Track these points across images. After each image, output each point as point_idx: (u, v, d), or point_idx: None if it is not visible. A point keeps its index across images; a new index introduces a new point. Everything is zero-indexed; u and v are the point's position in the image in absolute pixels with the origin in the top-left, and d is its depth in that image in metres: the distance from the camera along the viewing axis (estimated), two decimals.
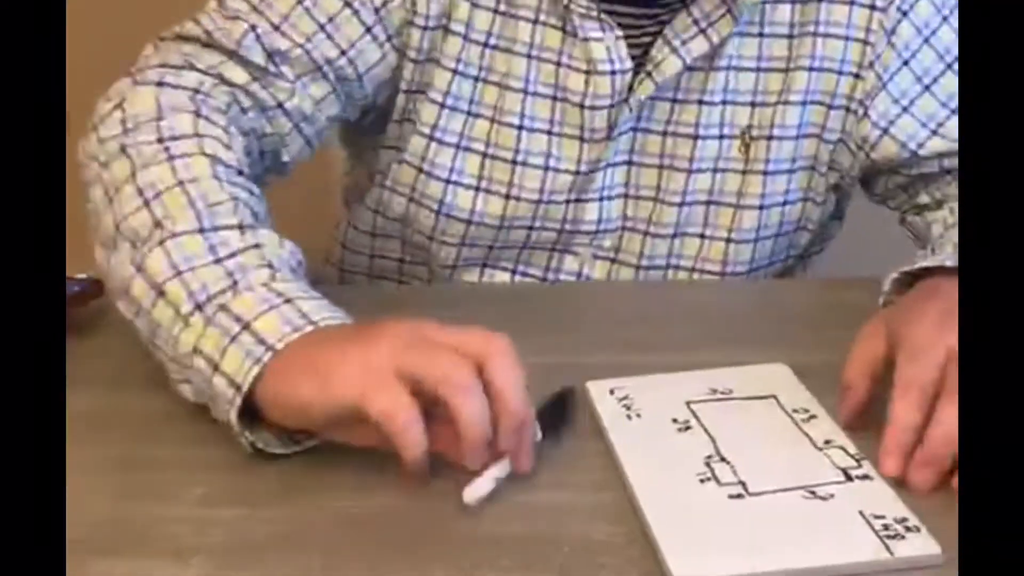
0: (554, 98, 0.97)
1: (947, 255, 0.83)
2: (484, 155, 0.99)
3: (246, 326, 0.73)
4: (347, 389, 0.69)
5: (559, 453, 0.76)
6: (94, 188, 0.85)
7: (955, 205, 0.97)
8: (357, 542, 0.68)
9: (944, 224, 0.95)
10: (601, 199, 1.00)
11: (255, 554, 0.67)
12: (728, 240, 1.02)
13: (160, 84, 0.88)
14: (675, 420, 0.79)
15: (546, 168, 0.98)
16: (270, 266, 0.77)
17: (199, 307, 0.75)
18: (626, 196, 1.01)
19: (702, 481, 0.72)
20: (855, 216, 1.12)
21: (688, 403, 0.80)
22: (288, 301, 0.75)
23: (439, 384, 0.69)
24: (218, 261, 0.77)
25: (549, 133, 0.98)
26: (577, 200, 1.00)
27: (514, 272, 1.04)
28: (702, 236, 1.02)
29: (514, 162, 0.99)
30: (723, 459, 0.74)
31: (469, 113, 0.98)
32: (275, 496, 0.72)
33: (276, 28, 0.93)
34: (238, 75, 0.92)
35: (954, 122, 0.98)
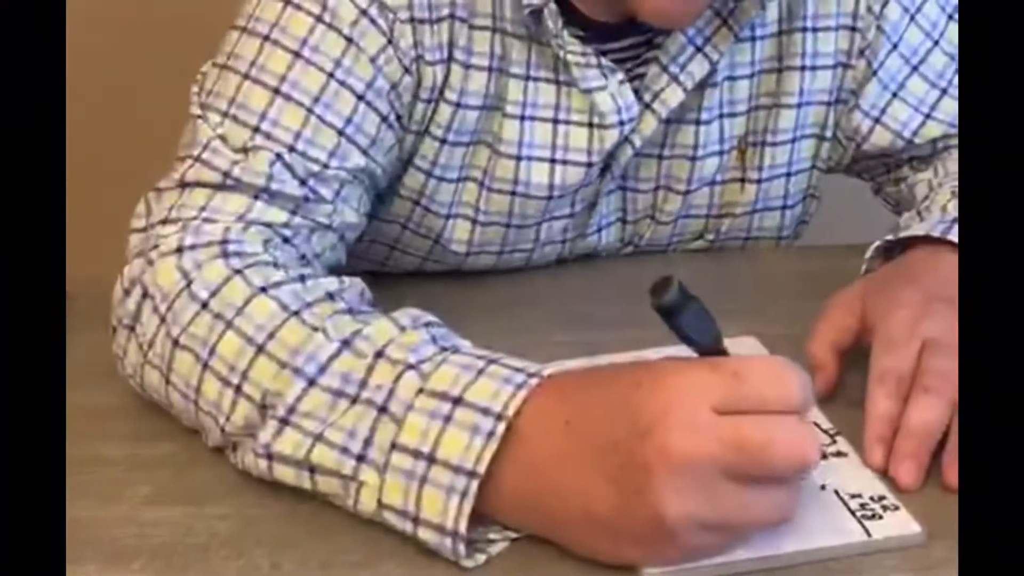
0: (552, 160, 0.88)
1: (934, 222, 0.80)
2: (474, 221, 0.90)
3: (430, 458, 0.61)
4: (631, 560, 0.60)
5: None
6: (170, 395, 0.72)
7: (939, 164, 0.93)
8: (306, 539, 0.65)
9: (929, 185, 0.91)
10: (599, 229, 0.95)
11: (200, 554, 0.64)
12: (717, 242, 0.98)
13: (180, 250, 0.74)
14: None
15: (540, 223, 0.91)
16: (411, 367, 0.64)
17: (361, 459, 0.64)
18: (624, 221, 0.96)
19: None
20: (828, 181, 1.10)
21: None
22: (458, 402, 0.62)
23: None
24: (355, 400, 0.65)
25: (548, 198, 0.89)
26: (575, 238, 0.95)
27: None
28: (700, 237, 0.98)
29: (508, 226, 0.91)
30: None
31: (458, 179, 0.89)
32: (221, 494, 0.69)
33: (292, 150, 0.79)
34: (274, 214, 0.78)
35: (946, 102, 0.93)
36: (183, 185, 0.79)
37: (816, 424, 0.72)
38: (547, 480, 0.61)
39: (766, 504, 0.59)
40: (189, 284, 0.72)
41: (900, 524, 0.64)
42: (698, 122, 0.91)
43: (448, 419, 0.61)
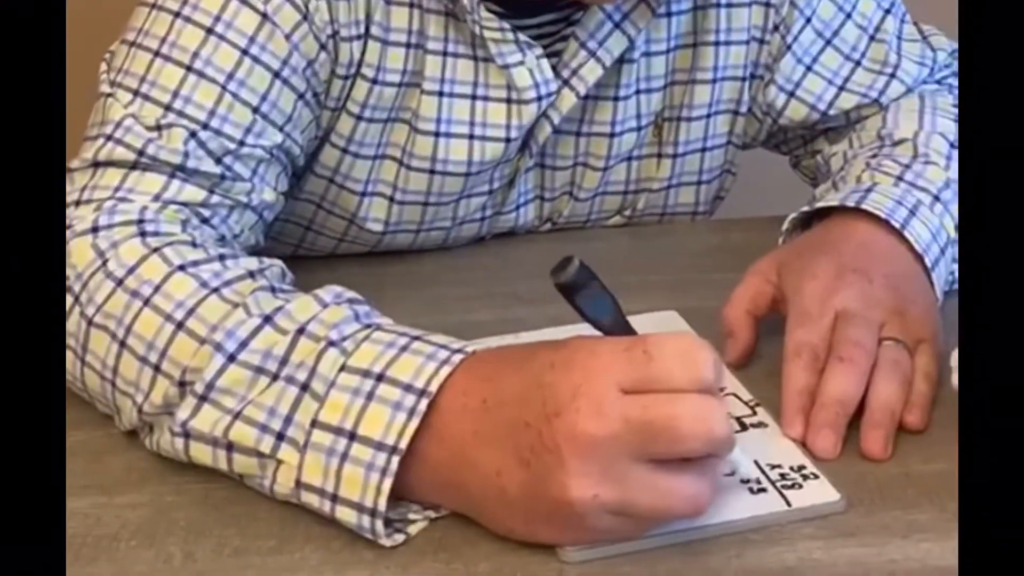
0: (471, 137, 0.87)
1: (848, 192, 0.80)
2: (391, 199, 0.89)
3: (352, 436, 0.61)
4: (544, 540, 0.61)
5: None
6: (85, 377, 0.70)
7: (854, 136, 0.93)
8: (219, 527, 0.64)
9: (844, 157, 0.91)
10: (517, 207, 0.95)
11: (109, 545, 0.63)
12: (633, 217, 0.98)
13: (95, 230, 0.72)
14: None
15: (459, 200, 0.90)
16: (333, 343, 0.63)
17: (281, 437, 0.63)
18: (541, 198, 0.95)
19: None
20: (743, 156, 1.10)
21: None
22: (380, 378, 0.62)
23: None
24: (275, 377, 0.64)
25: (466, 175, 0.88)
26: (493, 215, 0.94)
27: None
28: (618, 212, 0.98)
29: (426, 204, 0.90)
30: None
31: (375, 157, 0.88)
32: (132, 483, 0.67)
33: (206, 127, 0.77)
34: (191, 193, 0.76)
35: (859, 73, 0.93)
36: (95, 165, 0.76)
37: (736, 395, 0.72)
38: (464, 458, 0.60)
39: (679, 491, 0.58)
40: (104, 263, 0.70)
41: (820, 493, 0.64)
42: (616, 98, 0.91)
43: (370, 396, 0.61)
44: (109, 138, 0.77)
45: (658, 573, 0.59)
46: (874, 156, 0.86)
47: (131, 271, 0.69)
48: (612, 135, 0.92)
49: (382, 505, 0.60)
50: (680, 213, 0.99)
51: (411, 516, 0.63)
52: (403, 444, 0.59)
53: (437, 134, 0.87)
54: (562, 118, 0.88)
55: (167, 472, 0.68)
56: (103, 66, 0.82)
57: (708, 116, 0.94)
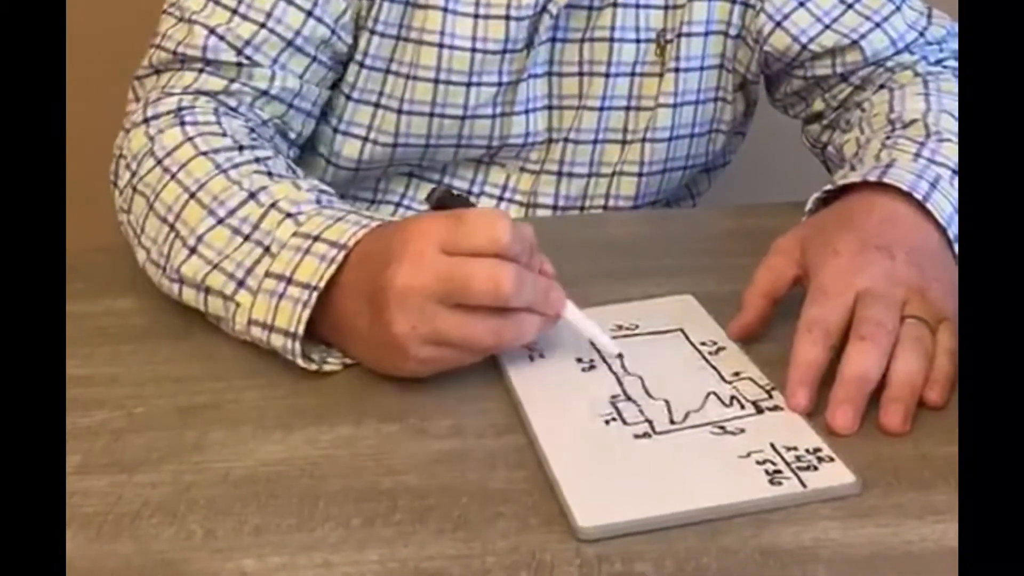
0: (476, 16, 0.96)
1: (868, 169, 0.81)
2: (408, 77, 0.97)
3: (289, 280, 0.74)
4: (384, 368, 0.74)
5: (457, 398, 0.72)
6: (128, 236, 0.87)
7: (864, 123, 0.94)
8: (239, 504, 0.64)
9: (857, 143, 0.92)
10: (527, 111, 1.00)
11: (131, 523, 0.63)
12: (644, 140, 1.02)
13: (146, 121, 0.89)
14: (579, 360, 0.75)
15: (469, 84, 0.97)
16: (289, 215, 0.77)
17: (241, 284, 0.76)
18: (550, 107, 1.01)
19: (607, 422, 0.69)
20: (755, 142, 1.10)
21: (592, 341, 0.77)
22: (317, 239, 0.75)
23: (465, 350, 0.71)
24: (247, 238, 0.77)
25: (472, 50, 0.96)
26: (503, 114, 0.99)
27: (439, 184, 1.04)
28: (622, 142, 1.02)
29: (437, 81, 0.97)
30: (629, 398, 0.71)
31: (397, 37, 0.96)
32: (153, 462, 0.68)
33: (234, 15, 0.91)
34: (215, 83, 0.91)
35: (849, 17, 0.98)
36: (150, 69, 0.94)
37: (752, 379, 0.73)
38: (345, 303, 0.73)
39: (482, 327, 0.70)
40: (152, 145, 0.86)
41: (835, 475, 0.64)
42: (615, 5, 0.99)
43: (307, 251, 0.74)
44: (157, 47, 0.93)
45: (675, 551, 0.59)
46: (888, 138, 0.86)
47: (169, 153, 0.85)
48: (612, 40, 0.99)
49: (300, 331, 0.73)
50: (673, 169, 1.03)
51: (330, 359, 0.76)
52: (321, 284, 0.73)
53: (446, 10, 0.96)
54: (566, 25, 0.97)
55: (186, 452, 0.68)
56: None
57: (705, 35, 1.00)
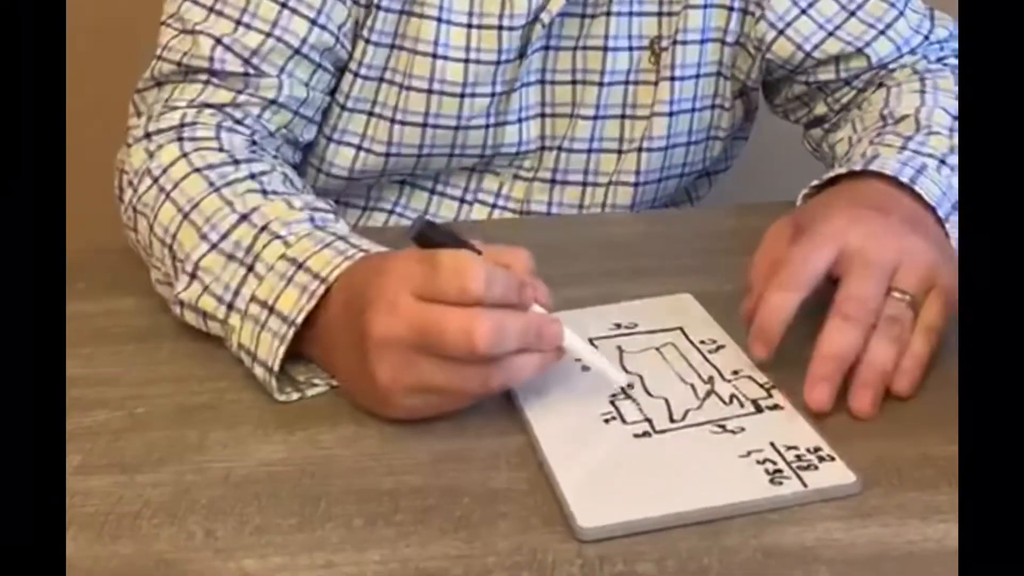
0: (469, 25, 0.95)
1: (856, 162, 0.82)
2: (401, 86, 0.96)
3: (271, 309, 0.73)
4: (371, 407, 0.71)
5: None
6: (140, 254, 0.86)
7: (856, 121, 0.95)
8: (240, 504, 0.64)
9: (848, 142, 0.93)
10: (520, 120, 0.99)
11: (131, 523, 0.63)
12: (640, 149, 1.01)
13: (147, 136, 0.87)
14: (578, 359, 0.75)
15: (463, 95, 0.96)
16: (279, 237, 0.76)
17: (231, 307, 0.76)
18: (543, 115, 1.00)
19: (607, 421, 0.69)
20: (755, 144, 1.10)
21: (592, 340, 0.77)
22: (300, 267, 0.73)
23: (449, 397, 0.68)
24: (239, 262, 0.76)
25: (466, 61, 0.95)
26: (496, 124, 0.99)
27: (432, 192, 1.03)
28: (618, 151, 1.02)
29: (430, 91, 0.96)
30: (628, 396, 0.71)
31: (391, 46, 0.96)
32: (154, 463, 0.68)
33: (239, 25, 0.90)
34: (221, 95, 0.90)
35: (853, 24, 0.97)
36: (153, 82, 0.92)
37: (751, 377, 0.73)
38: (331, 337, 0.72)
39: (466, 374, 0.66)
40: (150, 163, 0.85)
41: (836, 474, 0.64)
42: (608, 14, 0.98)
43: (290, 280, 0.73)
44: (159, 58, 0.91)
45: (677, 551, 0.59)
46: (878, 134, 0.87)
47: (164, 171, 0.84)
48: (606, 49, 0.98)
49: (276, 366, 0.72)
50: (670, 177, 1.02)
51: (315, 381, 0.74)
52: (299, 320, 0.71)
53: (439, 20, 0.95)
54: (559, 33, 0.96)
55: (187, 452, 0.68)
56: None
57: (701, 42, 0.99)
